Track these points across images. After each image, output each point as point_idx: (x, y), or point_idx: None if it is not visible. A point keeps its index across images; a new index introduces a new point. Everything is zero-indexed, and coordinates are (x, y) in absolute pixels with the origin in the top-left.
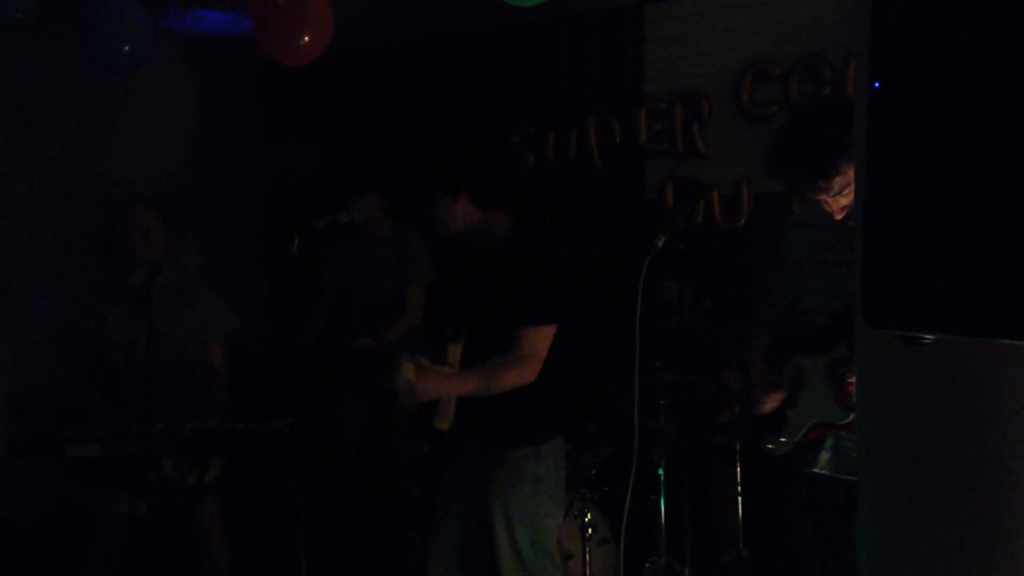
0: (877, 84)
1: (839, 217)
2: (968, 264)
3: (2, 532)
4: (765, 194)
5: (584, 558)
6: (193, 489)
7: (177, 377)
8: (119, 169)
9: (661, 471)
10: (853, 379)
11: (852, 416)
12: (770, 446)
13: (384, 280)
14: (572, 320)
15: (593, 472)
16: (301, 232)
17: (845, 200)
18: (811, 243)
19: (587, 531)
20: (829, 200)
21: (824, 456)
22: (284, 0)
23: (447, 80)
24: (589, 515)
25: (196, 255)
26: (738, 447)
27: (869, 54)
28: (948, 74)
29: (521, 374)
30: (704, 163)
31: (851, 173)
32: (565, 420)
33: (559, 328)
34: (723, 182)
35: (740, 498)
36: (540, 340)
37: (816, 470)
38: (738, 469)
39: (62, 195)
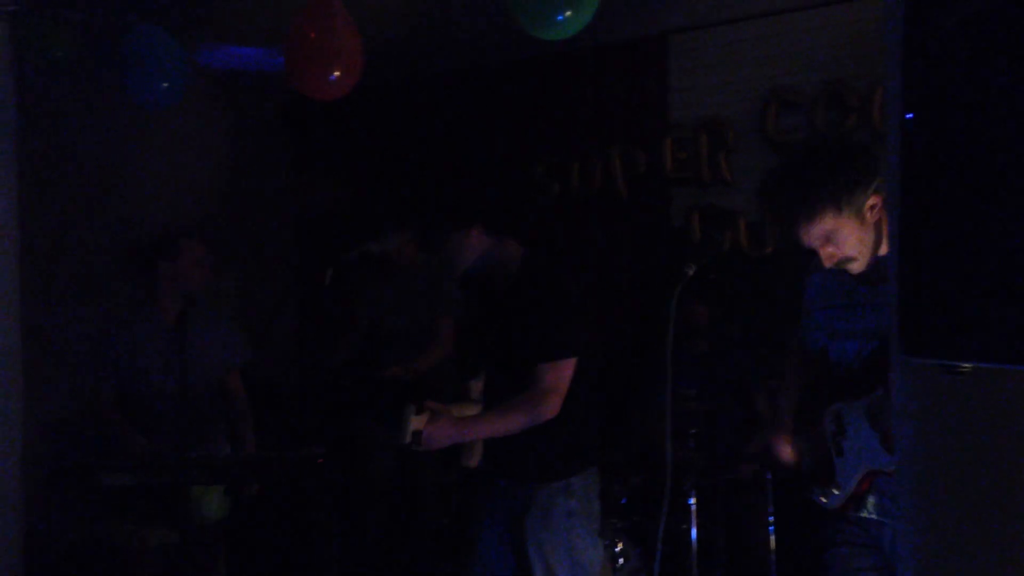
0: (910, 115)
1: (828, 265)
2: (1006, 293)
3: (40, 561)
4: None
5: None
6: (224, 520)
7: (206, 404)
8: (151, 200)
9: (692, 500)
10: None
11: None
12: (823, 500)
13: (413, 310)
14: (594, 351)
15: (623, 501)
16: (334, 263)
17: (832, 248)
18: (833, 287)
19: (617, 561)
20: (821, 250)
21: (870, 500)
22: (316, 36)
23: (473, 111)
24: (620, 544)
25: (227, 286)
26: (770, 477)
27: (901, 84)
28: (983, 103)
29: (541, 411)
30: (730, 191)
31: (831, 223)
32: (595, 452)
33: (582, 359)
34: (749, 210)
35: (772, 528)
36: (560, 375)
37: (863, 514)
38: (770, 499)
39: (95, 225)
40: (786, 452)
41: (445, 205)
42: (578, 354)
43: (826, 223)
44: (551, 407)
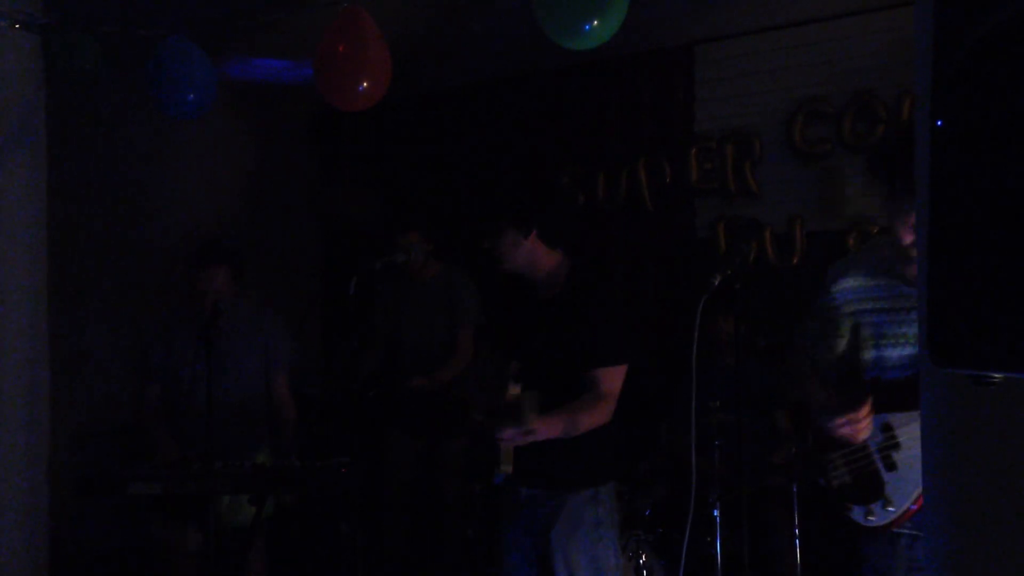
0: (940, 122)
1: (907, 241)
2: None
3: (77, 567)
4: (818, 233)
5: None
6: (251, 526)
7: (243, 410)
8: (178, 211)
9: (717, 512)
10: None
11: None
12: (872, 518)
13: (433, 321)
14: (636, 361)
15: (647, 513)
16: (359, 272)
17: None
18: (873, 290)
19: (642, 573)
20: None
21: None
22: (344, 48)
23: (499, 122)
24: (644, 557)
25: (253, 295)
26: (795, 489)
27: (931, 92)
28: (1013, 111)
29: (600, 415)
30: (756, 202)
31: None
32: (619, 464)
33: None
34: (775, 221)
35: (798, 541)
36: (615, 380)
37: (904, 530)
38: (795, 511)
39: (122, 236)
40: (854, 429)
41: (509, 205)
42: (629, 361)
43: None
44: (608, 412)
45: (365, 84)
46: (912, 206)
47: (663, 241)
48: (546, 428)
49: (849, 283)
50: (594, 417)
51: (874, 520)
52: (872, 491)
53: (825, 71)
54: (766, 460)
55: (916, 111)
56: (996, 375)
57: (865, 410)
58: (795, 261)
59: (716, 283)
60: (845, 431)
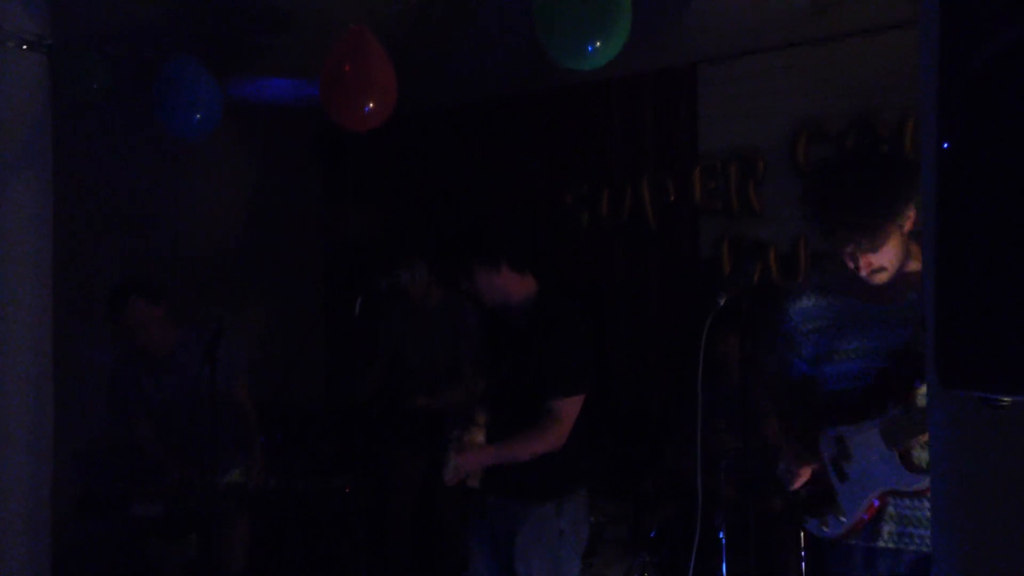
0: (947, 144)
1: (864, 273)
2: None
3: None
4: (822, 253)
5: None
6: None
7: (215, 420)
8: (184, 231)
9: (722, 534)
10: (923, 438)
11: (925, 481)
12: (825, 529)
13: (437, 349)
14: (596, 383)
15: (652, 535)
16: (364, 292)
17: (874, 257)
18: (825, 310)
19: None
20: (862, 257)
21: (886, 528)
22: (350, 67)
23: (503, 141)
24: None
25: (257, 314)
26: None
27: (937, 114)
28: (1019, 132)
29: (551, 442)
30: (759, 221)
31: (884, 235)
32: (587, 473)
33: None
34: (779, 241)
35: (804, 564)
36: (570, 409)
37: (879, 544)
38: (802, 533)
39: (128, 255)
40: (800, 474)
41: (473, 244)
42: (587, 391)
43: (882, 235)
44: (560, 438)
45: (371, 104)
46: (847, 239)
47: (667, 260)
48: (492, 457)
49: (803, 304)
50: (544, 444)
51: (827, 531)
52: (827, 503)
53: (828, 91)
54: (771, 480)
55: (921, 133)
56: (1005, 398)
57: (806, 470)
58: (799, 280)
59: (722, 303)
60: (785, 476)
